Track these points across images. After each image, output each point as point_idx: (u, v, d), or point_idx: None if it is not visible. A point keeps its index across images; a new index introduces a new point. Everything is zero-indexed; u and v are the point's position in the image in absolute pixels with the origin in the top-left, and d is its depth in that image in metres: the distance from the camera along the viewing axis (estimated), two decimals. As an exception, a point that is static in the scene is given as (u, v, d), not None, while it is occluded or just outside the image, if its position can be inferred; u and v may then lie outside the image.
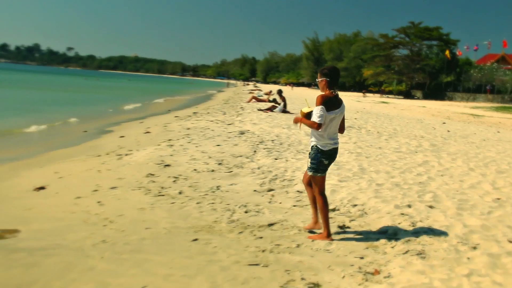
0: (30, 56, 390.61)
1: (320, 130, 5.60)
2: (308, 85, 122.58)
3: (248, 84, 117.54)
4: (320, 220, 5.91)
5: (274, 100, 28.45)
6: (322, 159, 5.73)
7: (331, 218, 6.51)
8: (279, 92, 26.15)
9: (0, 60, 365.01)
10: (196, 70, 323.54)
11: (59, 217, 6.47)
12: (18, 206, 7.12)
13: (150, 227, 5.97)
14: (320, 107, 5.54)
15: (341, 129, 5.94)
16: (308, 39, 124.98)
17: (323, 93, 5.74)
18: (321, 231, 5.90)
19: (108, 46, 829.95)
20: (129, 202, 7.15)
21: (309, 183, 6.05)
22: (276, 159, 10.68)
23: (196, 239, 5.53)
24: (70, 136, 17.47)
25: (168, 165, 9.77)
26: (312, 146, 5.80)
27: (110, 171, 9.44)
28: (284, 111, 24.11)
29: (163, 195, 7.53)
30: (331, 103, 5.65)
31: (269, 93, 41.19)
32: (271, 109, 24.75)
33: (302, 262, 4.94)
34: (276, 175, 9.13)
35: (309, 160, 5.83)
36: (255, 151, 11.66)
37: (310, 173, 5.83)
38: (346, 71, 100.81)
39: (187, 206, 6.97)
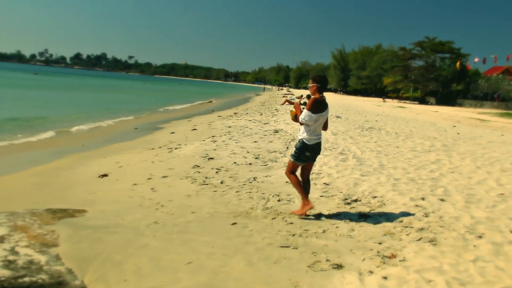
0: (98, 63, 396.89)
1: (308, 126, 5.87)
2: (335, 90, 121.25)
3: (282, 89, 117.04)
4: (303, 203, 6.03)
5: (305, 103, 28.26)
6: (305, 151, 5.94)
7: (353, 208, 6.46)
8: (308, 97, 25.98)
9: (74, 67, 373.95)
10: (237, 76, 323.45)
11: (119, 200, 6.58)
12: (86, 190, 7.27)
13: (195, 212, 5.99)
14: (308, 112, 5.82)
15: (325, 127, 6.16)
16: (336, 50, 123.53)
17: (314, 96, 5.97)
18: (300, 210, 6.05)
19: (163, 55, 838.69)
20: (178, 189, 7.20)
21: (303, 173, 6.19)
22: (305, 155, 10.59)
23: (235, 223, 5.52)
24: (128, 131, 17.75)
25: (211, 158, 9.81)
26: (299, 140, 6.00)
27: (162, 162, 9.53)
28: (313, 113, 23.91)
29: (207, 184, 7.55)
30: (319, 106, 5.88)
31: (300, 97, 40.96)
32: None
33: (327, 245, 4.88)
34: (305, 169, 9.06)
35: (294, 149, 6.05)
36: (287, 147, 11.61)
37: (291, 159, 6.02)
38: (369, 79, 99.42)
39: (227, 194, 6.97)
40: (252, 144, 12.00)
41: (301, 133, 5.99)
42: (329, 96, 69.07)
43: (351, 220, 5.88)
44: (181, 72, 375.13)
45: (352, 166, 9.38)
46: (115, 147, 12.98)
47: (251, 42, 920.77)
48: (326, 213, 6.15)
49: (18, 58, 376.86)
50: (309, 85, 6.13)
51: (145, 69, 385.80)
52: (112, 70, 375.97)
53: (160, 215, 5.78)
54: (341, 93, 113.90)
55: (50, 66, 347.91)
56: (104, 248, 4.51)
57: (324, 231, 5.37)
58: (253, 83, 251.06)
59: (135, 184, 7.56)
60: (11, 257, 3.96)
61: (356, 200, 6.87)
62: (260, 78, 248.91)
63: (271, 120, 19.78)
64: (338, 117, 23.60)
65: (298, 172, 6.15)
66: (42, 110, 24.52)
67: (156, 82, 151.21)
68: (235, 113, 26.05)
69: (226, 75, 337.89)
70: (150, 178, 7.96)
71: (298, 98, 41.37)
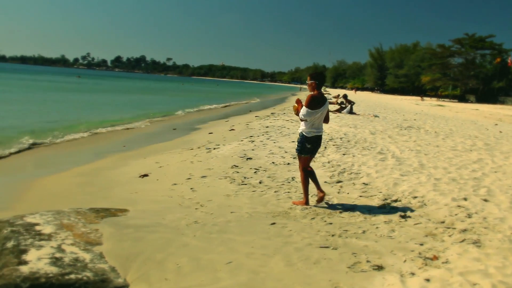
0: (137, 65, 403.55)
1: (306, 121, 6.19)
2: (372, 89, 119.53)
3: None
4: (317, 189, 6.43)
5: (342, 103, 27.98)
6: (305, 143, 6.25)
7: (393, 208, 6.32)
8: (345, 97, 25.80)
9: (115, 70, 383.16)
10: (273, 76, 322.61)
11: (159, 200, 6.66)
12: (127, 190, 7.40)
13: (235, 211, 5.99)
14: (306, 109, 6.14)
15: (326, 120, 6.43)
16: (374, 48, 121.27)
17: (312, 93, 6.26)
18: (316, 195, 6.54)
19: (200, 56, 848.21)
20: (217, 189, 7.23)
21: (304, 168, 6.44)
22: (344, 154, 10.47)
23: (274, 223, 5.48)
24: (167, 132, 17.99)
25: (250, 158, 9.82)
26: (300, 133, 6.35)
27: (201, 162, 9.60)
28: (351, 112, 23.66)
29: (245, 184, 7.55)
30: (317, 102, 6.17)
31: (337, 97, 40.58)
32: (339, 110, 24.37)
33: (367, 246, 4.78)
34: (344, 168, 8.93)
35: (297, 143, 6.42)
36: (325, 147, 11.49)
37: (297, 153, 6.41)
38: (406, 77, 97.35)
39: (266, 194, 6.95)
40: (290, 144, 11.94)
41: (301, 127, 6.32)
42: (366, 95, 67.97)
43: (391, 220, 5.75)
44: (218, 73, 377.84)
45: (392, 166, 9.20)
46: (155, 147, 13.17)
47: (287, 42, 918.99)
48: (366, 213, 6.04)
49: (62, 62, 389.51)
50: (307, 82, 6.41)
51: (183, 71, 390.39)
52: (151, 72, 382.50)
53: (200, 214, 5.81)
54: (378, 91, 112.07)
55: (92, 69, 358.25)
56: (146, 247, 4.56)
57: (364, 232, 5.27)
58: (289, 83, 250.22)
59: (175, 184, 7.64)
60: (58, 255, 4.06)
61: (396, 200, 6.73)
62: (297, 78, 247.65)
63: (308, 120, 19.61)
64: (376, 116, 23.27)
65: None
66: (85, 112, 25.19)
67: (194, 83, 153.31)
68: (272, 113, 26.01)
69: (263, 76, 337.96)
70: (189, 178, 8.03)
71: (335, 97, 40.98)
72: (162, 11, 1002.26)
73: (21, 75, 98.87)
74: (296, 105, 6.48)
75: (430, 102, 62.41)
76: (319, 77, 6.32)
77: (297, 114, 6.41)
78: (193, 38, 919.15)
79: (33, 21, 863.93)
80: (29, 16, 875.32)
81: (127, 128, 18.72)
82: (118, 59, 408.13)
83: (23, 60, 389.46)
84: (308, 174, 6.38)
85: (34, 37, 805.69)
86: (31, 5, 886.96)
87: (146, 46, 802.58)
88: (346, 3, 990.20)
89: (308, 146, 6.25)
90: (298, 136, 6.42)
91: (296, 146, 6.40)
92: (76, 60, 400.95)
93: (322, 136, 6.47)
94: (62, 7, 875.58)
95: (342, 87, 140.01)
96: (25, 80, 74.52)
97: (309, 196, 6.50)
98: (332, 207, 6.33)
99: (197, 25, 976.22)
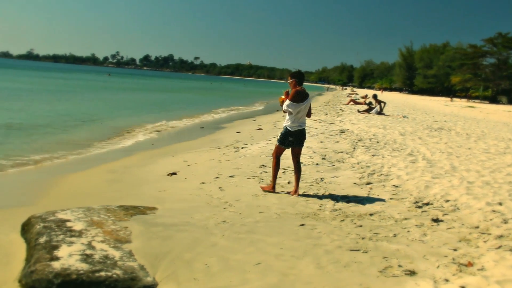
0: (165, 64, 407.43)
1: (291, 114, 6.75)
2: (400, 90, 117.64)
3: (345, 89, 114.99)
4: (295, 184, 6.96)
5: (370, 103, 27.61)
6: (288, 136, 6.83)
7: (425, 211, 6.17)
8: (375, 97, 25.39)
9: (143, 68, 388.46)
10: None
11: (187, 199, 6.66)
12: (155, 188, 7.43)
13: (263, 212, 5.94)
14: (290, 102, 6.72)
15: (308, 114, 6.96)
16: (405, 47, 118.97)
17: (295, 88, 6.79)
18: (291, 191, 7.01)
19: (227, 55, 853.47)
20: (245, 189, 7.19)
21: (292, 158, 7.02)
22: (373, 155, 10.28)
23: (303, 224, 5.40)
24: (195, 130, 18.08)
25: (277, 158, 9.74)
26: (284, 127, 6.89)
27: (229, 161, 9.59)
28: (380, 113, 23.32)
29: (274, 184, 7.48)
30: (300, 97, 6.74)
31: (365, 97, 40.10)
32: (368, 110, 24.07)
33: (398, 250, 4.66)
34: (373, 170, 8.76)
35: (279, 134, 7.02)
36: (354, 148, 11.33)
37: (276, 143, 6.98)
38: (435, 78, 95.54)
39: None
40: (318, 144, 11.82)
41: (286, 121, 6.88)
42: (393, 96, 66.71)
43: (422, 224, 5.60)
44: (245, 72, 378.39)
45: (422, 168, 8.99)
46: (183, 145, 13.25)
47: (314, 41, 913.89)
48: (396, 216, 5.90)
49: (92, 61, 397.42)
50: (288, 81, 6.98)
51: (210, 70, 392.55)
52: (178, 70, 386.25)
53: (228, 214, 5.78)
54: (406, 92, 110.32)
55: (121, 68, 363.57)
56: (174, 246, 4.55)
57: (395, 235, 5.15)
58: (316, 82, 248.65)
59: (203, 183, 7.64)
60: (88, 251, 4.09)
61: (427, 204, 6.56)
62: (324, 77, 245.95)
63: (337, 120, 19.43)
64: (405, 117, 22.88)
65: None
66: (115, 110, 25.54)
67: (222, 82, 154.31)
68: (299, 112, 25.84)
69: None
70: (217, 177, 8.02)
71: (362, 97, 40.53)
72: (190, 10, 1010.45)
73: (56, 73, 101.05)
74: (283, 97, 7.00)
75: (460, 103, 61.09)
76: (298, 75, 6.91)
77: (283, 103, 6.93)
78: (221, 37, 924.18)
79: (64, 20, 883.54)
80: (61, 16, 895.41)
81: (156, 126, 18.86)
82: (146, 58, 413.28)
83: (55, 58, 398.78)
84: (279, 162, 7.01)
85: (65, 36, 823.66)
86: (63, 5, 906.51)
87: (174, 45, 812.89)
88: (375, 3, 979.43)
89: (290, 139, 6.83)
90: (283, 129, 6.92)
91: (278, 137, 6.98)
92: (105, 58, 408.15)
93: (305, 129, 7.01)
94: (93, 6, 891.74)
95: (369, 87, 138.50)
96: (59, 78, 76.07)
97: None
98: (362, 209, 6.21)
99: (225, 24, 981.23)
